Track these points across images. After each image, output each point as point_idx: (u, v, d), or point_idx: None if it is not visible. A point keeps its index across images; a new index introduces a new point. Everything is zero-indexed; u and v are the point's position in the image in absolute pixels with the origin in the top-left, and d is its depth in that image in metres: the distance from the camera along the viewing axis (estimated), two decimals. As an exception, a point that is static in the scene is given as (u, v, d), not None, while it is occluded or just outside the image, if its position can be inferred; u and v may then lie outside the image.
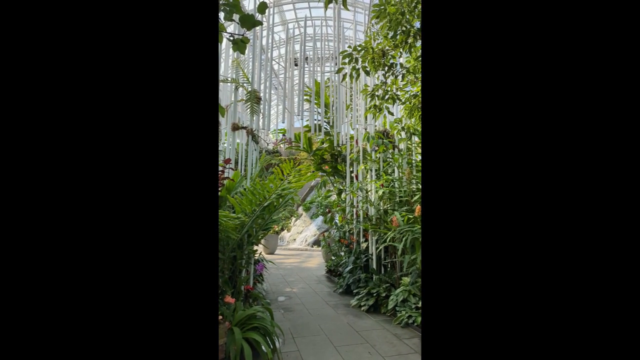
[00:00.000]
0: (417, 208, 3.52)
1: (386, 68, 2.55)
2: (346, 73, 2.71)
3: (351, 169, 5.33)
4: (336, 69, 4.81)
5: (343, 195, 5.87)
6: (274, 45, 7.97)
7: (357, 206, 5.01)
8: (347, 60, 2.45)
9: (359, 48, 2.48)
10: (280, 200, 2.88)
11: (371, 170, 5.02)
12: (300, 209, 12.17)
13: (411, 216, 3.72)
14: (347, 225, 5.48)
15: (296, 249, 10.72)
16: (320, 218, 10.34)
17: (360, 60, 2.52)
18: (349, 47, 2.53)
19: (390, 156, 4.89)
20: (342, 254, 5.52)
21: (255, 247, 3.49)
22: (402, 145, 4.84)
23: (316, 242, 10.57)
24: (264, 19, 5.18)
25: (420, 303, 3.43)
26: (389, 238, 3.79)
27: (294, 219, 12.11)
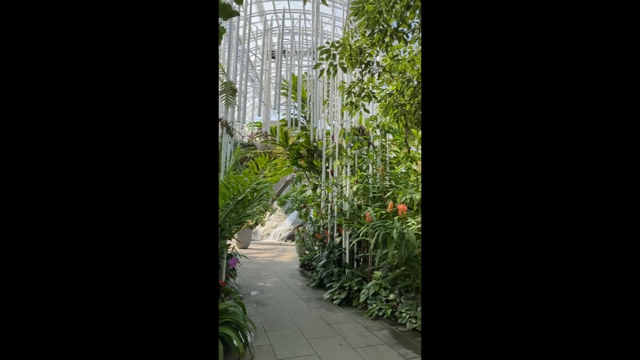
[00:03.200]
0: (390, 204, 3.62)
1: (363, 66, 2.58)
2: (324, 69, 2.72)
3: (327, 165, 5.37)
4: (314, 63, 4.80)
5: (318, 191, 5.90)
6: (251, 37, 7.80)
7: (332, 201, 5.06)
8: (324, 56, 2.46)
9: (337, 44, 2.49)
10: (255, 194, 2.85)
11: (346, 166, 5.08)
12: (275, 204, 12.09)
13: (384, 212, 3.82)
14: (321, 220, 5.53)
15: (270, 244, 10.67)
16: (295, 213, 10.34)
17: (337, 56, 2.54)
18: (327, 42, 2.53)
19: (365, 153, 4.97)
20: (316, 248, 5.58)
21: (228, 242, 3.44)
22: (376, 143, 4.94)
23: (290, 237, 10.57)
24: (241, 9, 5.05)
25: (391, 296, 3.55)
26: (361, 233, 3.87)
27: (268, 213, 12.02)
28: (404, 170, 4.69)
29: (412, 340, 2.88)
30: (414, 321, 3.12)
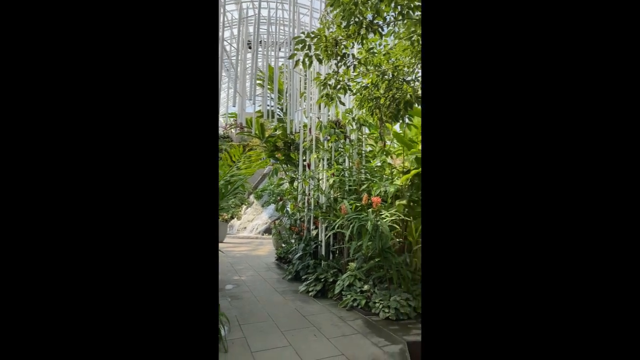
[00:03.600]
0: (364, 197, 3.67)
1: (339, 57, 2.57)
2: (299, 60, 2.68)
3: (304, 158, 5.35)
4: (290, 54, 4.72)
5: (295, 184, 5.88)
6: (226, 25, 7.56)
7: (309, 194, 5.06)
8: (300, 46, 2.43)
9: (312, 35, 2.47)
10: (229, 187, 2.80)
11: (323, 159, 5.09)
12: (252, 197, 11.94)
13: (359, 204, 3.87)
14: (298, 213, 5.53)
15: (246, 237, 10.55)
16: (273, 206, 10.27)
17: (313, 47, 2.51)
18: (303, 33, 2.50)
19: (342, 146, 5.00)
20: (293, 241, 5.58)
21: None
22: (353, 136, 4.97)
23: (267, 230, 10.50)
24: (215, -5, 4.86)
25: (365, 286, 3.62)
26: (337, 225, 3.91)
27: (244, 207, 11.85)
28: (379, 164, 4.76)
29: (384, 328, 2.96)
30: (387, 310, 3.21)
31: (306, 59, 2.54)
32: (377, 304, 3.30)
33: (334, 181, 4.70)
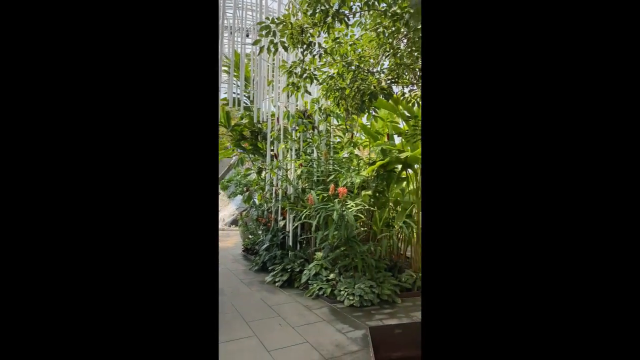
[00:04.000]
0: (331, 187, 3.70)
1: (305, 46, 2.53)
2: (263, 46, 2.61)
3: (272, 148, 5.27)
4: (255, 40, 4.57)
5: (263, 174, 5.80)
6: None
7: (277, 185, 5.01)
8: (264, 32, 2.36)
9: (277, 21, 2.40)
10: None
11: (291, 150, 5.04)
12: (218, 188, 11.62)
13: (326, 194, 3.90)
14: (265, 204, 5.47)
15: (213, 229, 10.28)
16: (240, 197, 10.07)
17: (278, 34, 2.45)
18: (267, 18, 2.43)
19: (310, 137, 4.98)
20: (260, 232, 5.52)
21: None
22: (321, 127, 4.97)
23: (234, 222, 10.30)
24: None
25: (331, 275, 3.68)
26: (304, 215, 3.92)
27: (211, 198, 11.50)
28: (346, 155, 4.81)
29: (348, 315, 3.04)
30: (351, 298, 3.29)
31: (271, 46, 2.47)
32: (342, 292, 3.38)
33: (302, 172, 4.69)
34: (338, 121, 5.03)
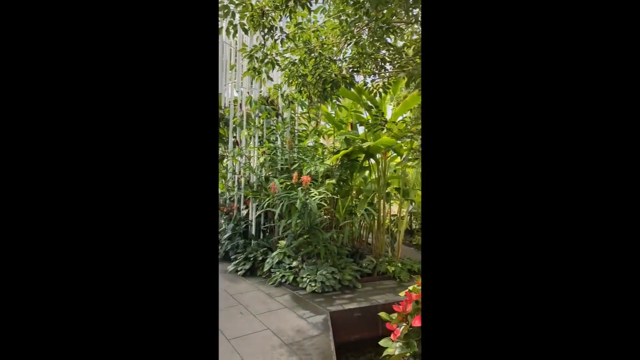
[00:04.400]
0: (295, 175, 3.69)
1: (266, 30, 2.45)
2: (222, 27, 2.49)
3: (234, 135, 5.12)
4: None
5: (225, 162, 5.63)
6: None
7: (239, 173, 4.90)
8: (222, 12, 2.24)
9: (237, 1, 2.30)
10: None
11: (254, 137, 4.93)
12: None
13: (289, 183, 3.88)
14: (227, 193, 5.33)
15: (174, 219, 9.88)
16: (202, 185, 9.70)
17: (238, 15, 2.35)
18: (226, -2, 2.31)
19: (274, 124, 4.90)
20: (222, 221, 5.39)
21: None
22: (285, 114, 4.89)
23: (197, 211, 9.96)
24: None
25: (294, 263, 3.71)
26: (267, 204, 3.89)
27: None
28: (311, 144, 4.80)
29: (310, 301, 3.09)
30: (313, 284, 3.35)
31: (230, 27, 2.36)
32: (305, 279, 3.42)
33: (265, 159, 4.61)
34: (302, 109, 4.99)
